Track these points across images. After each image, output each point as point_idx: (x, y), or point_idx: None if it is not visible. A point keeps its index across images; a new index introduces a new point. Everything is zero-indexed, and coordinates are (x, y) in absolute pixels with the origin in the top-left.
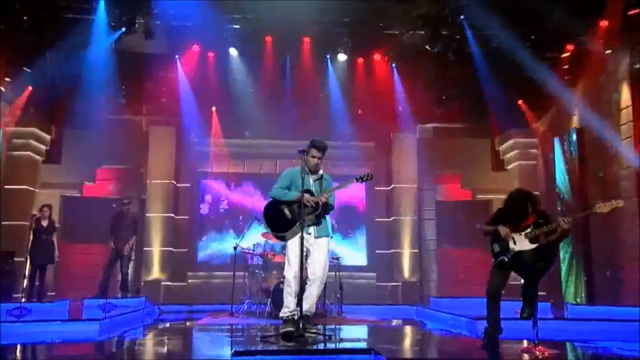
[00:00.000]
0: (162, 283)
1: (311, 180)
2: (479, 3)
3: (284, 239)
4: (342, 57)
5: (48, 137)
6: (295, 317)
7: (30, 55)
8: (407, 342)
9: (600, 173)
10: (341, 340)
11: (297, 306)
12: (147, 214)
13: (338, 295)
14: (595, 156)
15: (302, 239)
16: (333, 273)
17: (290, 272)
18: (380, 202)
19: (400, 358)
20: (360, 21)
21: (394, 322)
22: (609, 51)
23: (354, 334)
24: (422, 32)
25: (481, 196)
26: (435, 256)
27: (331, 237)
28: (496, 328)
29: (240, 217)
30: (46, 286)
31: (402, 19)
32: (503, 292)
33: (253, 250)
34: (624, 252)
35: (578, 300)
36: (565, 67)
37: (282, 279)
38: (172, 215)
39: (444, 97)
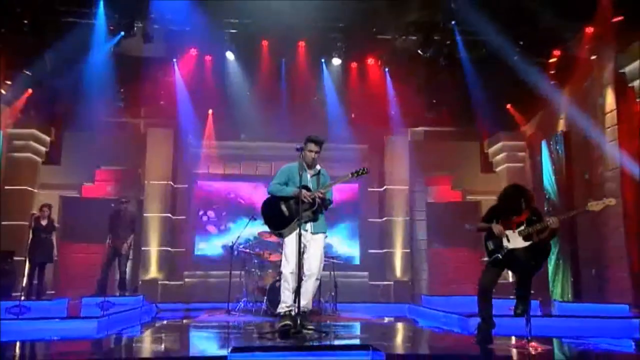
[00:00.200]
0: (160, 282)
1: (308, 176)
2: (470, 10)
3: (281, 235)
4: (336, 61)
5: (48, 138)
6: (293, 313)
7: (30, 58)
8: (403, 338)
9: (586, 174)
10: (338, 337)
11: (294, 302)
12: (144, 214)
13: (333, 294)
14: (581, 158)
15: (299, 235)
16: (328, 272)
17: (288, 268)
18: (373, 203)
19: (398, 354)
20: (355, 26)
21: (387, 320)
22: (594, 57)
23: (350, 331)
24: (415, 37)
25: (471, 197)
26: (426, 256)
27: (326, 235)
28: (489, 323)
29: (237, 217)
30: (45, 285)
31: (395, 25)
32: (494, 290)
33: (248, 248)
34: (609, 252)
35: (565, 298)
36: (552, 72)
37: (278, 278)
38: (169, 215)
39: (434, 101)
